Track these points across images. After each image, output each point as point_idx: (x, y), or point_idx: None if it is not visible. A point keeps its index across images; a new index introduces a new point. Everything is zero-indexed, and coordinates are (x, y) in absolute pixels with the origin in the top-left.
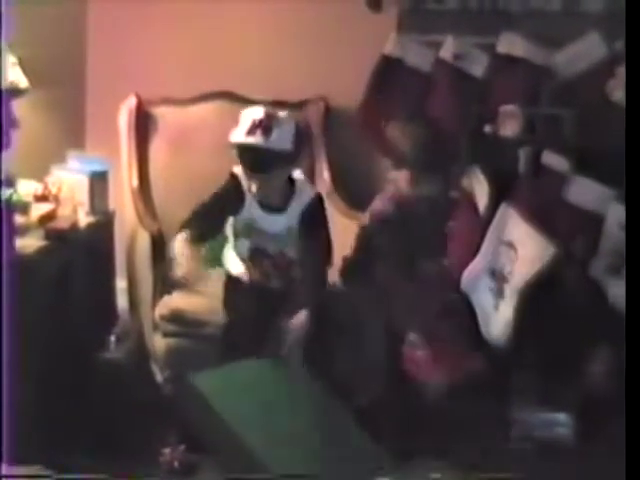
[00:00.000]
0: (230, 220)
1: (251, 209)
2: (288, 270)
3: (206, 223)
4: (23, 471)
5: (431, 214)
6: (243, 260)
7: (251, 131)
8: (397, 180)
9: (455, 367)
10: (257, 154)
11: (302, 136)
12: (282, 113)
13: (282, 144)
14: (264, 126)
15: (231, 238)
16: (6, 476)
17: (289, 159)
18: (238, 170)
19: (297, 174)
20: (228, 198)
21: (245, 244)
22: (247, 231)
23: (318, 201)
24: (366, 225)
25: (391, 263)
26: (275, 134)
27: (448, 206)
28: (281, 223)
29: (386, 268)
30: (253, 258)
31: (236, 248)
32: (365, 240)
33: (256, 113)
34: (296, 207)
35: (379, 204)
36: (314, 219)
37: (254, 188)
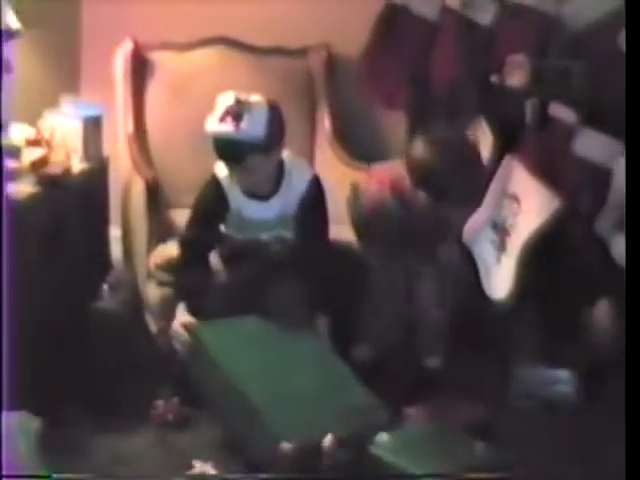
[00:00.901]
0: None
1: (237, 203)
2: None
3: (199, 243)
4: (15, 415)
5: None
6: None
7: (222, 119)
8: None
9: None
10: (228, 143)
11: (278, 119)
12: (254, 98)
13: (253, 131)
14: (234, 113)
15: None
16: (6, 476)
17: (263, 147)
18: (219, 171)
19: (285, 155)
20: (212, 210)
21: (238, 237)
22: (237, 225)
23: (316, 184)
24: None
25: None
26: (245, 121)
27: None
28: (271, 210)
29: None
30: (245, 250)
31: (226, 242)
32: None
33: (227, 99)
34: (287, 191)
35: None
36: (315, 204)
37: (238, 180)
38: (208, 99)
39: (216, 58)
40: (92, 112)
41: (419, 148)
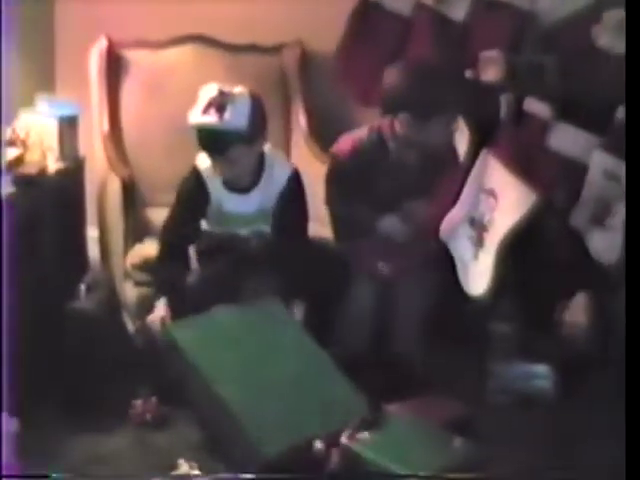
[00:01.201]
0: None
1: (217, 196)
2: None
3: (180, 237)
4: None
5: (423, 160)
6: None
7: (205, 110)
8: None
9: None
10: (211, 134)
11: (260, 110)
12: (237, 89)
13: (236, 122)
14: (217, 104)
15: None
16: (6, 476)
17: (246, 138)
18: (201, 163)
19: (267, 148)
20: (193, 202)
21: (217, 231)
22: (217, 219)
23: (296, 179)
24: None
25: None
26: (229, 112)
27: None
28: (251, 203)
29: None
30: (224, 244)
31: (205, 236)
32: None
33: (210, 91)
34: (267, 185)
35: (349, 141)
36: (295, 198)
37: (220, 171)
38: (183, 97)
39: (191, 56)
40: (67, 111)
41: (392, 75)
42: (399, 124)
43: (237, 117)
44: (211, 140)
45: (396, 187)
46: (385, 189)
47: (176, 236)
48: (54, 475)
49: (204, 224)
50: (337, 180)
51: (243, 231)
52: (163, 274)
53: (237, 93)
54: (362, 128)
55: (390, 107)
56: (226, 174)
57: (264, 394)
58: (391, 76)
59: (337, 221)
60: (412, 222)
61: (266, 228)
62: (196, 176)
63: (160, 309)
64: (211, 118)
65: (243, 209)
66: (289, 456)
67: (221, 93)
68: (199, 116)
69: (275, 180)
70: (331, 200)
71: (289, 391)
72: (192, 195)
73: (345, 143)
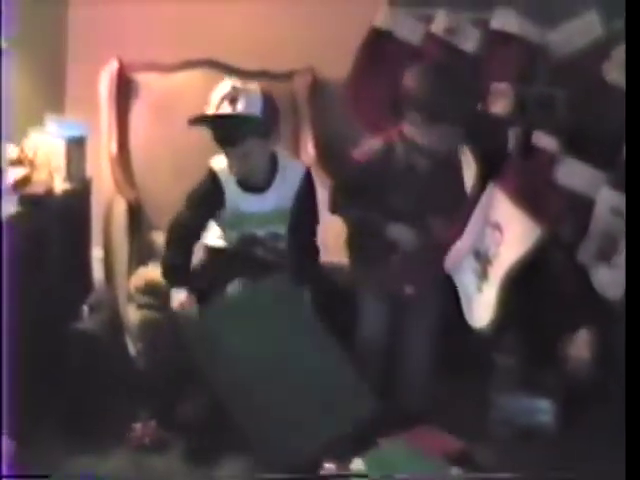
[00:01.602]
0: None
1: (233, 197)
2: (280, 250)
3: (189, 231)
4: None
5: (433, 167)
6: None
7: (219, 105)
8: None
9: None
10: (226, 125)
11: (272, 106)
12: (249, 85)
13: (249, 110)
14: (230, 98)
15: (217, 230)
16: (6, 476)
17: (260, 127)
18: (216, 164)
19: (278, 150)
20: (207, 201)
21: (233, 234)
22: (234, 220)
23: (310, 178)
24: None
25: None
26: (241, 103)
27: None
28: (267, 203)
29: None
30: (242, 246)
31: (224, 239)
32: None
33: (223, 88)
34: (281, 185)
35: (366, 147)
36: (309, 197)
37: (235, 167)
38: None
39: (201, 80)
40: (76, 132)
41: (411, 76)
42: (407, 126)
43: (250, 107)
44: (226, 132)
45: (413, 199)
46: (401, 200)
47: (183, 227)
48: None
49: (219, 229)
50: (346, 187)
51: (260, 232)
52: (168, 261)
53: (248, 87)
54: (375, 138)
55: (401, 108)
56: (241, 169)
57: (273, 399)
58: (409, 78)
59: (349, 228)
60: (430, 236)
61: (281, 229)
62: (212, 177)
63: (180, 296)
64: (225, 109)
65: (259, 209)
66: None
67: (233, 88)
68: (213, 111)
69: (289, 179)
70: (340, 207)
71: (297, 393)
72: (208, 195)
73: (358, 152)
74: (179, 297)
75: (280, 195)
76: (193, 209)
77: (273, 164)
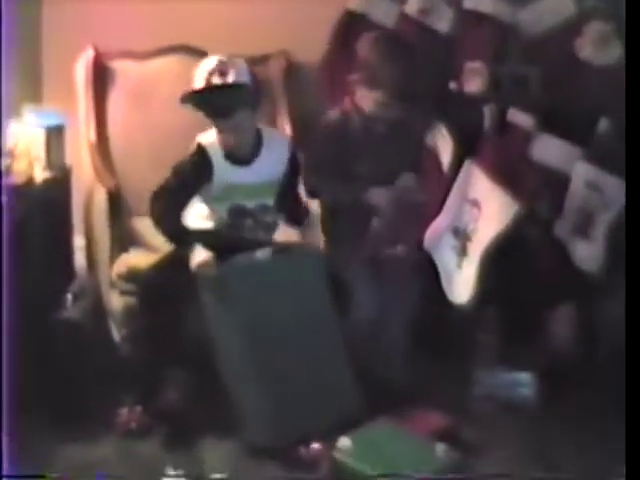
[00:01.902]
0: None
1: (221, 170)
2: (269, 222)
3: (178, 197)
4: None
5: (388, 130)
6: (222, 223)
7: (209, 79)
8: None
9: None
10: (219, 96)
11: (257, 81)
12: (233, 58)
13: (240, 80)
14: (220, 70)
15: (203, 206)
16: (6, 476)
17: (250, 96)
18: (204, 139)
19: (261, 126)
20: (195, 175)
21: (223, 207)
22: (223, 194)
23: (293, 148)
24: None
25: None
26: (232, 74)
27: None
28: (255, 174)
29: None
30: (232, 218)
31: (211, 213)
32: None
33: (209, 63)
34: (268, 156)
35: (331, 115)
36: (295, 166)
37: (226, 139)
38: (169, 107)
39: (177, 66)
40: (54, 121)
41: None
42: (358, 94)
43: (240, 77)
44: (219, 104)
45: (377, 163)
46: (366, 166)
47: (173, 200)
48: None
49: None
50: (316, 165)
51: (249, 204)
52: (166, 225)
53: (235, 59)
54: (332, 110)
55: (365, 82)
56: (232, 141)
57: (275, 370)
58: (365, 47)
59: (327, 207)
60: (405, 197)
61: (270, 201)
62: (201, 151)
63: (201, 254)
64: (216, 80)
65: (247, 180)
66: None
67: (221, 61)
68: (202, 83)
69: (275, 151)
70: (315, 187)
71: (297, 371)
72: (196, 166)
73: (318, 126)
74: (200, 256)
75: (267, 166)
76: (180, 177)
77: (258, 137)
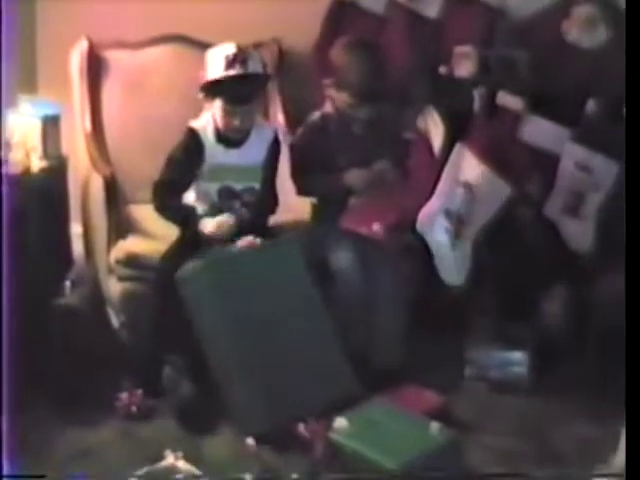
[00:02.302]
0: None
1: (212, 152)
2: (256, 204)
3: (176, 187)
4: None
5: (366, 126)
6: (211, 203)
7: (230, 66)
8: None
9: None
10: (241, 85)
11: (266, 65)
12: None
13: (258, 69)
14: (240, 59)
15: (194, 187)
16: (6, 476)
17: (265, 84)
18: (196, 123)
19: None
20: (189, 156)
21: (212, 187)
22: (213, 175)
23: (278, 137)
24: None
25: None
26: (251, 62)
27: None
28: (244, 157)
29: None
30: (222, 199)
31: (201, 194)
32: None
33: (227, 49)
34: (256, 141)
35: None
36: (276, 155)
37: (233, 122)
38: (163, 96)
39: (170, 55)
40: (50, 111)
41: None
42: (341, 101)
43: (258, 66)
44: (241, 90)
45: (356, 154)
46: (347, 158)
47: (171, 183)
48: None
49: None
50: (302, 164)
51: (237, 186)
52: (179, 215)
53: (250, 49)
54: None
55: (335, 85)
56: (237, 125)
57: (264, 359)
58: (335, 52)
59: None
60: (381, 178)
61: (256, 184)
62: (192, 134)
63: (224, 219)
64: (239, 70)
65: (237, 162)
66: (275, 434)
67: (240, 49)
68: (221, 72)
69: (263, 137)
70: (302, 185)
71: (287, 357)
72: (189, 151)
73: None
74: (216, 220)
75: (255, 150)
76: (175, 166)
77: None
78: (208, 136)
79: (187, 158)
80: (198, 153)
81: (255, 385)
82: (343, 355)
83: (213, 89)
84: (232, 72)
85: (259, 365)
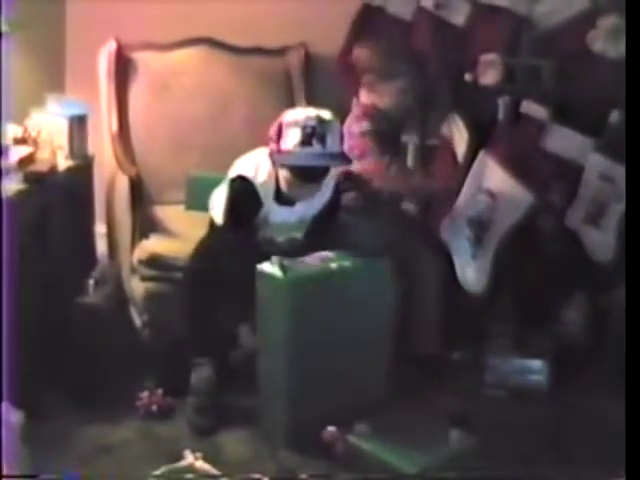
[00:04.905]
0: None
1: (266, 209)
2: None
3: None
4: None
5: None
6: None
7: (306, 142)
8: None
9: None
10: (315, 166)
11: (342, 133)
12: (326, 115)
13: (336, 149)
14: (318, 135)
15: None
16: (6, 476)
17: (341, 162)
18: (258, 178)
19: None
20: (247, 213)
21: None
22: (259, 226)
23: (339, 189)
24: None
25: None
26: (329, 139)
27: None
28: (294, 215)
29: None
30: (261, 246)
31: None
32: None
33: (306, 119)
34: (315, 198)
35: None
36: (335, 206)
37: (302, 194)
38: (189, 98)
39: (197, 58)
40: (77, 111)
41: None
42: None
43: (336, 143)
44: (315, 170)
45: None
46: None
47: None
48: (50, 476)
49: None
50: None
51: (279, 238)
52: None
53: (331, 120)
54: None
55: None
56: (308, 193)
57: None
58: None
59: None
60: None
61: (299, 235)
62: (253, 193)
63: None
64: (316, 148)
65: (285, 219)
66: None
67: (320, 122)
68: (298, 148)
69: (323, 193)
70: None
71: (336, 372)
72: (247, 208)
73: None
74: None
75: (308, 207)
76: (238, 229)
77: None
78: (267, 194)
79: (246, 214)
80: (256, 202)
81: (299, 399)
82: (382, 362)
83: (282, 158)
84: (309, 150)
85: (312, 379)
